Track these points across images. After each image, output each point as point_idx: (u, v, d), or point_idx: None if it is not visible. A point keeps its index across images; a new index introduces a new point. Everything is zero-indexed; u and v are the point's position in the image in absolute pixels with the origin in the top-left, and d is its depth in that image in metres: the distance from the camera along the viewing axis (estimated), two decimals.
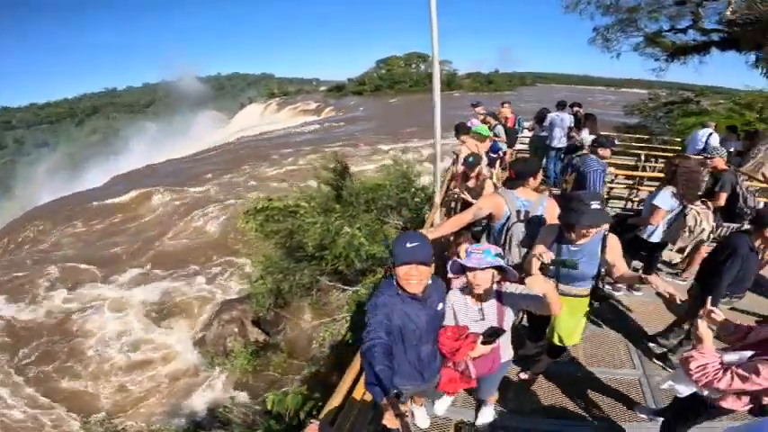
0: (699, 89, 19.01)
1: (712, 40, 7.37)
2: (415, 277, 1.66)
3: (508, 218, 2.83)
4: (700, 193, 3.69)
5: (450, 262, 2.07)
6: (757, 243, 2.73)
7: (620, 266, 2.35)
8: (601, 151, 4.45)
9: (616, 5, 7.74)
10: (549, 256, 2.24)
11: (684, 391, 2.00)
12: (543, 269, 2.34)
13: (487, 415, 2.67)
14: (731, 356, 1.84)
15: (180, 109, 65.43)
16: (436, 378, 2.02)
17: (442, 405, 2.78)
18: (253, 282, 7.57)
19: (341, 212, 8.46)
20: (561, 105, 7.53)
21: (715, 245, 3.20)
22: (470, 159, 4.23)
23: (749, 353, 1.83)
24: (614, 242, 2.36)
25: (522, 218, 2.80)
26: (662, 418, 2.57)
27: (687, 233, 3.49)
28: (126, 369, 8.86)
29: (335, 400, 2.04)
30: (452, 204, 5.14)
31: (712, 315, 1.93)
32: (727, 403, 1.96)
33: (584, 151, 4.68)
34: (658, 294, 2.04)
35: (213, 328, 8.14)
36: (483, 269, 1.83)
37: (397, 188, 10.66)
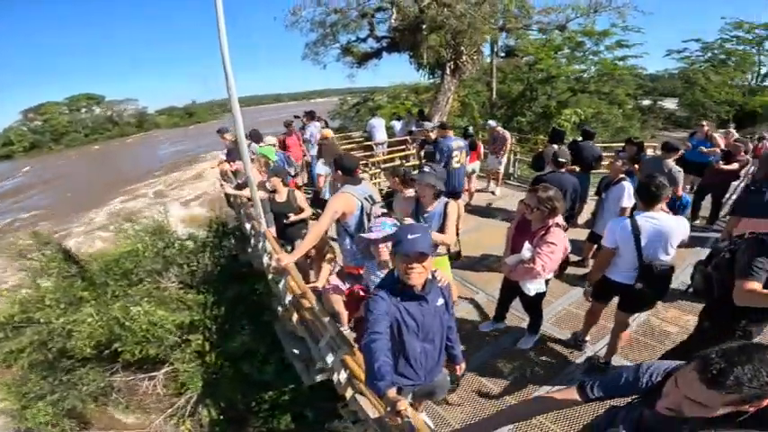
0: (369, 90, 25.06)
1: (383, 46, 9.95)
2: (416, 269, 1.61)
3: (362, 208, 3.01)
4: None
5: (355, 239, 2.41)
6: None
7: (448, 227, 2.99)
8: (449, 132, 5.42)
9: (322, 22, 9.02)
10: None
11: (541, 286, 2.79)
12: None
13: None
14: (525, 253, 2.65)
15: None
16: (436, 377, 1.97)
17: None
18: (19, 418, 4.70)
19: (95, 298, 6.13)
20: (311, 116, 8.13)
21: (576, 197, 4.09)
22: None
23: (527, 244, 2.66)
24: (451, 209, 2.98)
25: (372, 203, 3.07)
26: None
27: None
28: None
29: None
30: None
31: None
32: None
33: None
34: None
35: None
36: (384, 238, 2.09)
37: (153, 248, 8.65)
